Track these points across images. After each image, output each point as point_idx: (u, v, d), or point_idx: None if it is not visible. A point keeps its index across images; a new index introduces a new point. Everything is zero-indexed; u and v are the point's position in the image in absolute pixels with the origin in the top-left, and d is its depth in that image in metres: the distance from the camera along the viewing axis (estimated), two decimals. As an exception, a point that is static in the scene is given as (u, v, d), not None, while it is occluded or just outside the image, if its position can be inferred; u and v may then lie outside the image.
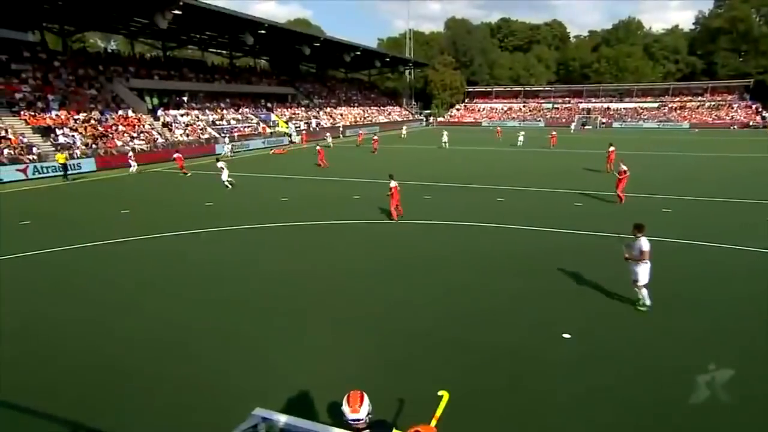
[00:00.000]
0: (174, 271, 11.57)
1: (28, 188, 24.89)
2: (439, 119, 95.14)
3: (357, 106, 77.37)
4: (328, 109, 68.53)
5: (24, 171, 27.02)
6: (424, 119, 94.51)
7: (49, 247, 13.46)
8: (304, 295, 9.99)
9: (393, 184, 15.32)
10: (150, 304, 9.71)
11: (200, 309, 9.43)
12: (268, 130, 51.87)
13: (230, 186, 22.38)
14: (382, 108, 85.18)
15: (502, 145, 44.76)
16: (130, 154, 30.01)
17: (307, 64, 79.58)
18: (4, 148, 27.79)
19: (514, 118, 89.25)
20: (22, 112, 31.85)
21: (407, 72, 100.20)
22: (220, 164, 23.67)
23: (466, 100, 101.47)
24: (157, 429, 6.13)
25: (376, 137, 39.33)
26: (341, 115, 69.20)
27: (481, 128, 74.35)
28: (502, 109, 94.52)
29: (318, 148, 31.71)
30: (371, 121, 74.83)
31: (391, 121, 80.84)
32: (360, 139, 47.69)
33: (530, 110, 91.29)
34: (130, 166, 29.01)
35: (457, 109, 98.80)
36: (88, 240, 14.07)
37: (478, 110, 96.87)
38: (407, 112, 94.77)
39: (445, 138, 41.26)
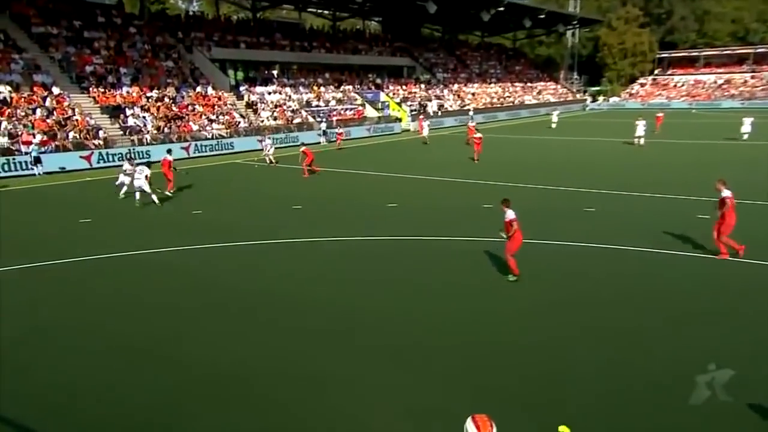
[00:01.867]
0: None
1: (91, 179, 27.78)
2: (613, 99, 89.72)
3: (495, 83, 76.03)
4: (456, 87, 68.19)
5: (88, 159, 30.32)
6: (589, 99, 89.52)
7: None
8: (424, 335, 9.30)
9: (511, 214, 11.74)
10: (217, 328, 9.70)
11: (277, 341, 9.22)
12: (374, 114, 52.86)
13: (121, 195, 21.23)
14: (529, 84, 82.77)
15: (712, 136, 40.28)
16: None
17: (430, 27, 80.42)
18: (70, 131, 31.52)
19: (732, 95, 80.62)
20: (91, 89, 36.04)
21: (570, 33, 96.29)
22: (131, 168, 21.54)
23: (656, 71, 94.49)
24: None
25: (477, 135, 31.90)
26: (473, 94, 68.42)
27: (682, 111, 68.02)
28: (715, 82, 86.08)
29: (303, 149, 28.06)
30: (513, 102, 73.01)
31: (542, 102, 78.12)
32: (472, 137, 35.15)
33: (763, 83, 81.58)
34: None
35: (642, 84, 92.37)
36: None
37: (674, 85, 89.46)
38: (565, 90, 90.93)
39: (639, 130, 36.69)
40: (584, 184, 22.92)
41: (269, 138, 35.36)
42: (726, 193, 13.22)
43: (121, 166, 23.41)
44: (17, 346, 9.50)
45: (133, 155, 30.84)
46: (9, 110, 30.76)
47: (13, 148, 28.86)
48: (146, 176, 20.25)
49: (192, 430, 7.20)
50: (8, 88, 32.23)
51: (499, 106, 69.45)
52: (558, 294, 11.33)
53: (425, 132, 43.72)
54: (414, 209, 19.54)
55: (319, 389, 7.94)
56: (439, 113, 59.01)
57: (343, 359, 8.85)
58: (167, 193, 22.38)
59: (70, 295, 11.83)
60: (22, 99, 32.09)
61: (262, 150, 33.71)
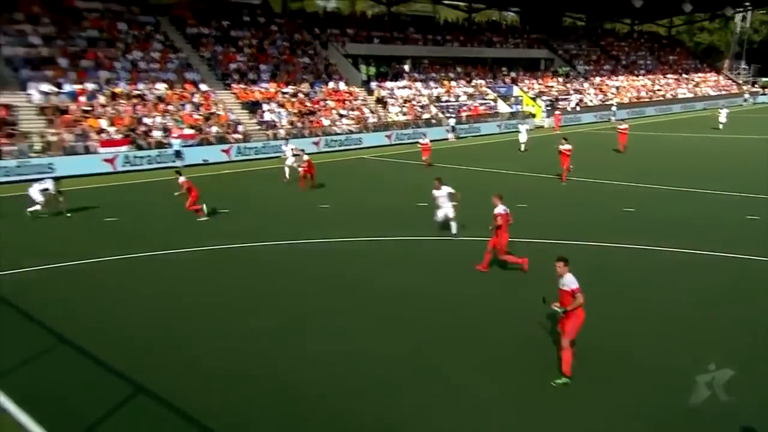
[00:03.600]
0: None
1: (229, 171, 30.44)
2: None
3: (644, 74, 71.59)
4: (598, 80, 65.19)
5: (227, 152, 33.16)
6: (752, 93, 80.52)
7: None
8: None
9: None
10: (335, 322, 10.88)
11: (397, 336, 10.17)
12: (506, 109, 52.22)
13: (34, 213, 19.35)
14: (685, 76, 76.88)
15: None
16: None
17: (572, 15, 77.43)
18: (213, 125, 34.68)
19: None
20: (233, 85, 39.30)
21: (739, 17, 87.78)
22: (40, 192, 19.46)
23: None
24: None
25: (566, 146, 25.34)
26: (617, 88, 64.99)
27: None
28: None
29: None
30: (664, 95, 68.33)
31: (699, 96, 72.33)
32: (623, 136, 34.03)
33: None
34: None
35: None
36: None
37: None
38: (729, 82, 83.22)
39: None
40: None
41: (291, 146, 28.44)
42: (499, 209, 12.67)
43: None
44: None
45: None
46: (163, 106, 34.49)
47: (164, 141, 32.38)
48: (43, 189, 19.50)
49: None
50: (164, 85, 36.10)
51: (647, 100, 65.37)
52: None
53: (523, 138, 36.24)
54: (545, 210, 19.81)
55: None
56: (578, 108, 56.91)
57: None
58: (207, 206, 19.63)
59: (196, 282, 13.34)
60: (175, 95, 35.80)
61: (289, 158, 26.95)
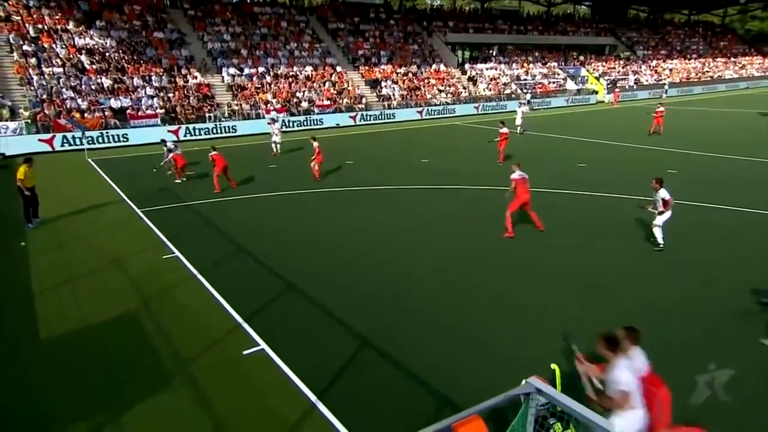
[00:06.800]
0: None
1: (353, 133, 29.68)
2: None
3: (696, 58, 61.37)
4: (654, 62, 56.73)
5: (354, 118, 32.41)
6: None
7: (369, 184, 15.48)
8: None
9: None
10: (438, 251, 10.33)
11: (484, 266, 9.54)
12: (573, 86, 46.96)
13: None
14: (733, 59, 65.13)
15: None
16: None
17: (637, 8, 67.32)
18: (345, 98, 33.84)
19: None
20: (360, 67, 37.94)
21: (790, 6, 72.22)
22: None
23: None
24: (425, 374, 6.29)
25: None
26: (670, 69, 56.30)
27: None
28: None
29: (315, 145, 16.54)
30: (712, 76, 58.46)
31: (745, 77, 61.27)
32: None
33: None
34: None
35: None
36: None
37: None
38: (776, 64, 69.57)
39: None
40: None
41: (277, 119, 24.97)
42: (514, 175, 10.99)
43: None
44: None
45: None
46: (309, 83, 34.05)
47: (311, 109, 32.12)
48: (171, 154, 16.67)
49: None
50: (311, 68, 35.57)
51: (696, 80, 56.22)
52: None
53: (518, 120, 25.80)
54: (602, 171, 17.58)
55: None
56: (634, 86, 50.09)
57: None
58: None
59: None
60: (318, 75, 35.19)
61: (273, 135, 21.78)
